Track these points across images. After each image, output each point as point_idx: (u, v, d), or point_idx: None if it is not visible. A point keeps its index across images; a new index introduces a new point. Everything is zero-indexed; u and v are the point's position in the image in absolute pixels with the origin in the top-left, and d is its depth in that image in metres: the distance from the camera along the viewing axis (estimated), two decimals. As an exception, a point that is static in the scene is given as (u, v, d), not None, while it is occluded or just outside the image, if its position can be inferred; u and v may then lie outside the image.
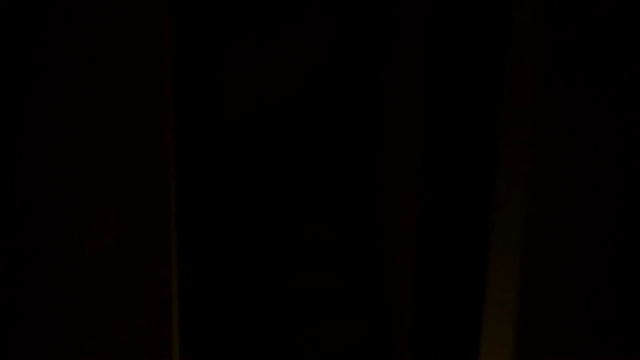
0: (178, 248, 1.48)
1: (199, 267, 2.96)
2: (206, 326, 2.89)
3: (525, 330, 1.57)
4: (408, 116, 2.59)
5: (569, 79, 1.44)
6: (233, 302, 3.00)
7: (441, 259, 2.32)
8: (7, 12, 1.22)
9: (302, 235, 3.16)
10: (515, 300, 1.56)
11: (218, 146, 3.28)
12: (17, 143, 1.29)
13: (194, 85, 2.88)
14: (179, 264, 1.49)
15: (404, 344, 2.63)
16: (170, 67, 1.39)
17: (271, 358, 2.87)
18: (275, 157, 3.43)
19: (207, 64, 3.07)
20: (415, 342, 2.47)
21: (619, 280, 1.56)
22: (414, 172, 2.45)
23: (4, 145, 1.29)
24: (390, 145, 3.00)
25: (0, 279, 1.35)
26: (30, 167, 1.30)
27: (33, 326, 1.38)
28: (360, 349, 2.94)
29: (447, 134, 2.18)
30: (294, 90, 3.33)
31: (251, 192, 3.28)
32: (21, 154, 1.30)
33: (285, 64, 3.27)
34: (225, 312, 2.96)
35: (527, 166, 1.50)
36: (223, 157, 3.30)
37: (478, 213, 2.05)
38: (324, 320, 2.95)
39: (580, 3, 1.40)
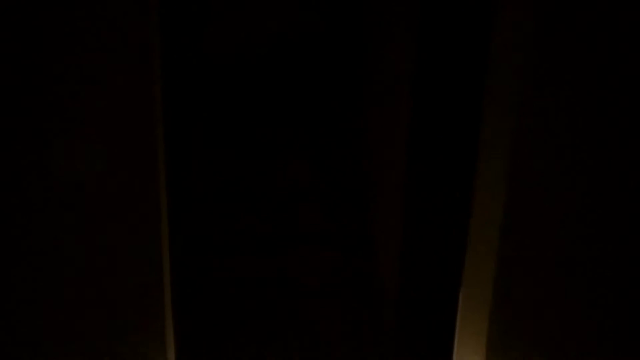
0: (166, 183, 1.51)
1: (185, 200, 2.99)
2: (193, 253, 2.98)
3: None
4: (394, 62, 2.59)
5: (550, 80, 1.48)
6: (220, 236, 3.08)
7: (430, 202, 2.37)
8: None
9: (287, 173, 3.22)
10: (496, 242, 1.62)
11: (206, 87, 3.27)
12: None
13: (180, 25, 2.85)
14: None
15: (392, 280, 2.70)
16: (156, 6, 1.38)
17: (257, 283, 2.98)
18: (262, 98, 3.43)
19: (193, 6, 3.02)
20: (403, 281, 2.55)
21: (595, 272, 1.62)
22: (402, 115, 2.47)
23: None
24: (376, 91, 3.00)
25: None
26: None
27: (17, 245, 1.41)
28: (347, 280, 3.05)
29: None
30: (279, 34, 3.29)
31: (236, 132, 3.29)
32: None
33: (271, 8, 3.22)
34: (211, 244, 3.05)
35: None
36: (210, 97, 3.29)
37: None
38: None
39: (566, 6, 1.42)
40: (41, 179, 1.34)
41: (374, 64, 3.11)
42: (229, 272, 2.98)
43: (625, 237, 1.57)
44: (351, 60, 3.47)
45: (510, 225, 1.58)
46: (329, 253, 3.08)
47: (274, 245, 3.07)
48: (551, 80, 1.47)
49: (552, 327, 1.65)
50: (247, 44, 3.32)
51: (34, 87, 1.30)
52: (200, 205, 3.10)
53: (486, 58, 1.70)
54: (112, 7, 1.27)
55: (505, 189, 1.56)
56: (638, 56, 1.43)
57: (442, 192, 2.26)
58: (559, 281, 1.62)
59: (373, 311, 2.85)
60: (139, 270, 1.43)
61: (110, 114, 1.32)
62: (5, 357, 1.44)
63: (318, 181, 3.30)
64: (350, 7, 3.38)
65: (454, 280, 1.96)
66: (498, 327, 1.67)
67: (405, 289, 2.53)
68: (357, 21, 3.37)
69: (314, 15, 3.36)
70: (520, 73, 1.48)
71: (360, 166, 3.38)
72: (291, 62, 3.40)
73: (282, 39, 3.32)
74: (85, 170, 1.34)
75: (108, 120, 1.33)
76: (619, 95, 1.47)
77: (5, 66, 1.28)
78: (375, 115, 3.10)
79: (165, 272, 1.47)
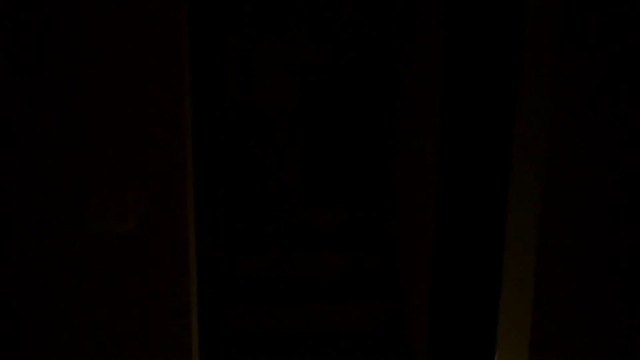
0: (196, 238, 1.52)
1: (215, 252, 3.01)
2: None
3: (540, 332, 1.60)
4: (424, 108, 2.61)
5: (585, 77, 1.45)
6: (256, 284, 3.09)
7: (459, 248, 2.34)
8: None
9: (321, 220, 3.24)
10: (530, 296, 1.59)
11: (236, 136, 3.30)
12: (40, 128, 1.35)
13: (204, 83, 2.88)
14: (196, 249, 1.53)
15: (420, 327, 2.66)
16: (187, 64, 1.41)
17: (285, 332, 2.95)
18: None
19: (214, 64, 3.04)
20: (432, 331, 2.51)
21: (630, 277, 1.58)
22: (430, 163, 2.46)
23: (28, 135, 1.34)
24: (406, 135, 3.02)
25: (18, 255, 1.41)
26: (51, 150, 1.35)
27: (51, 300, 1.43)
28: (374, 327, 3.02)
29: (462, 121, 2.18)
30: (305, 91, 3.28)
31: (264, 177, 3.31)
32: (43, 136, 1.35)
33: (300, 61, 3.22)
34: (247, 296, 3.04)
35: (542, 160, 1.52)
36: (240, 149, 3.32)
37: (494, 206, 2.06)
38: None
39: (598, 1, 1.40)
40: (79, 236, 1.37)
41: (404, 113, 3.13)
42: (255, 319, 2.97)
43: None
44: (382, 93, 3.47)
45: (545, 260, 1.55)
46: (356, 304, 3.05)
47: (300, 295, 3.06)
48: (582, 84, 1.44)
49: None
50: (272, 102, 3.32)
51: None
52: (228, 251, 3.11)
53: (512, 95, 1.67)
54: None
55: (537, 231, 1.54)
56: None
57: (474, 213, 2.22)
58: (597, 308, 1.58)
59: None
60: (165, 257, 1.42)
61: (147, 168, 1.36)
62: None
63: (346, 227, 3.30)
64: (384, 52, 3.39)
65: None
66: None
67: (434, 343, 2.50)
68: (389, 65, 3.39)
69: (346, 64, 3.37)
70: (550, 92, 1.46)
71: (388, 212, 3.38)
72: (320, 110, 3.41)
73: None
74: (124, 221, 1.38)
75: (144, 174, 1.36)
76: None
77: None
78: (404, 159, 3.11)
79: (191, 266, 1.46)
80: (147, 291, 1.42)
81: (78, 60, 1.32)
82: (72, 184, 1.36)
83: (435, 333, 2.49)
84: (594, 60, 1.44)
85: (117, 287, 1.41)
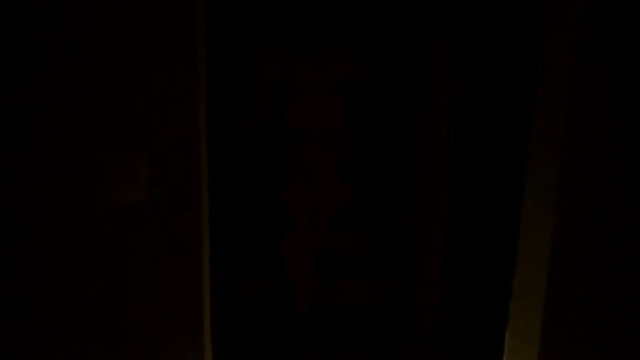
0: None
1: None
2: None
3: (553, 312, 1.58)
4: (440, 89, 2.59)
5: (602, 78, 1.43)
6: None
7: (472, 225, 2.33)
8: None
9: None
10: (544, 282, 1.57)
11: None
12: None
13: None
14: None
15: (431, 306, 2.66)
16: (203, 35, 1.40)
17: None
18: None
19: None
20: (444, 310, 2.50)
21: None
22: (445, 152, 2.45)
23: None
24: (421, 113, 3.00)
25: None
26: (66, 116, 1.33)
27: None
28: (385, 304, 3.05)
29: (479, 104, 2.16)
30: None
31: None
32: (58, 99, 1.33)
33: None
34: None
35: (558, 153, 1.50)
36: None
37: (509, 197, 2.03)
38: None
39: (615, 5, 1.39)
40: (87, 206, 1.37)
41: (420, 85, 3.11)
42: (266, 293, 3.02)
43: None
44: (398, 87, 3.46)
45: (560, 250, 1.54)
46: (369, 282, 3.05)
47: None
48: (600, 90, 1.43)
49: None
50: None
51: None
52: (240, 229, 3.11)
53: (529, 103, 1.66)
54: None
55: (553, 209, 1.52)
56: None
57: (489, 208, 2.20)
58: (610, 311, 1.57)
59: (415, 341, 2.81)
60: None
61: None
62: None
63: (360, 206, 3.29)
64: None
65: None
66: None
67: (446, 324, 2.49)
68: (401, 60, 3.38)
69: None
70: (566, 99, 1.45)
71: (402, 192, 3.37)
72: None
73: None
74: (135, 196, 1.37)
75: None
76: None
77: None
78: (418, 143, 3.09)
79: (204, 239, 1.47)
80: (159, 261, 1.42)
81: (94, 35, 1.31)
82: (85, 150, 1.36)
83: (447, 314, 2.49)
84: (613, 59, 1.42)
85: (130, 254, 1.41)
